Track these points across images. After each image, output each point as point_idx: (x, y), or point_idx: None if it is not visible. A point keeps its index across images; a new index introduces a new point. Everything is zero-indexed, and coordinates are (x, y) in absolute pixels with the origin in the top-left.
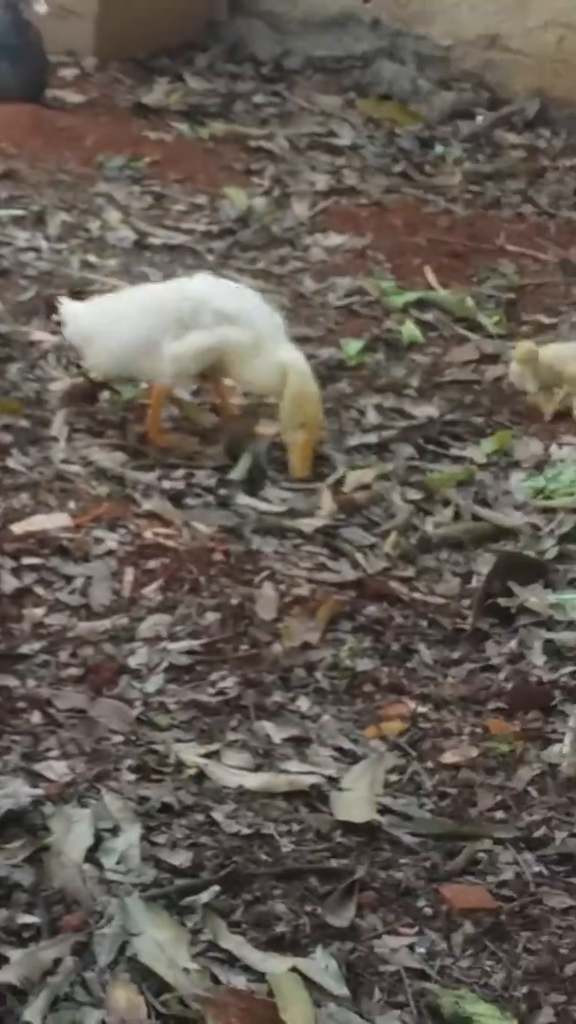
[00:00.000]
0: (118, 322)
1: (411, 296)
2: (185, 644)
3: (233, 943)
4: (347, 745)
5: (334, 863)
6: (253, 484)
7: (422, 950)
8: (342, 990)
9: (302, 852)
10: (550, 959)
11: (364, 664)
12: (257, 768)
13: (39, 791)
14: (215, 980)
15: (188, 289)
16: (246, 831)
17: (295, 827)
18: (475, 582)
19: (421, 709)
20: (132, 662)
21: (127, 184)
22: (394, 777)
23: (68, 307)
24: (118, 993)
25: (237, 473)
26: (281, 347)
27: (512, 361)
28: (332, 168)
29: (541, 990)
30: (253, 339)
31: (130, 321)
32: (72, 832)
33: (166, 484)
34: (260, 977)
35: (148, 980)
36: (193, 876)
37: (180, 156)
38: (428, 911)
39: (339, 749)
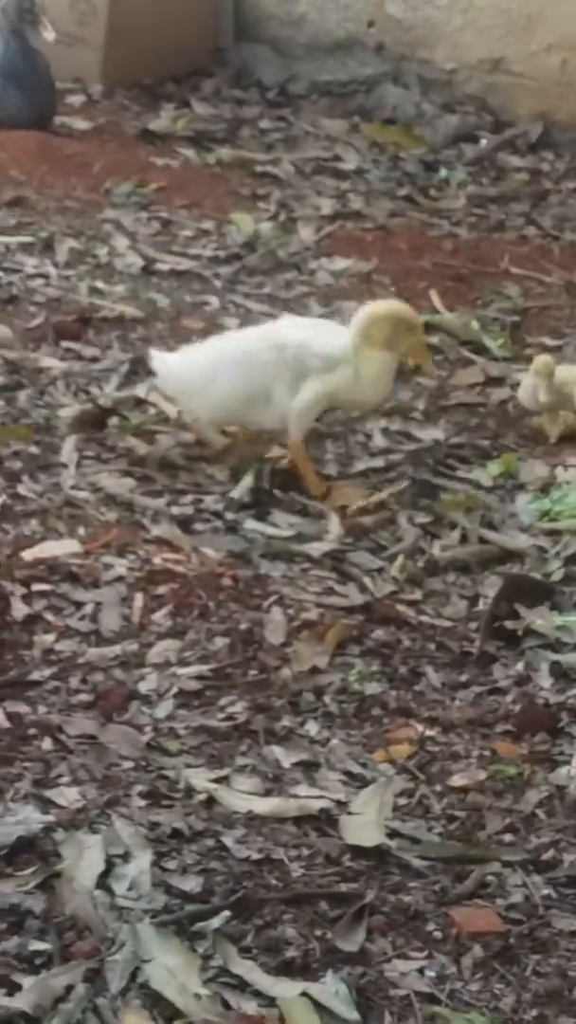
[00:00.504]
0: (215, 373)
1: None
2: (194, 669)
3: (244, 968)
4: (356, 769)
5: (344, 887)
6: (256, 505)
7: (432, 974)
8: (352, 1014)
9: (312, 876)
10: (559, 982)
11: (372, 688)
12: (267, 793)
13: (50, 817)
14: (226, 1005)
15: (282, 336)
16: (256, 856)
17: (305, 851)
18: (482, 605)
19: (429, 732)
20: (142, 688)
21: (134, 210)
22: (403, 801)
23: (159, 360)
24: (130, 1020)
25: (238, 492)
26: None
27: (527, 374)
28: (337, 192)
29: (551, 1013)
30: (350, 370)
31: (228, 372)
32: (83, 858)
33: (175, 510)
34: (271, 1002)
35: (159, 1006)
36: (203, 902)
37: (187, 182)
38: (437, 935)
39: (348, 773)
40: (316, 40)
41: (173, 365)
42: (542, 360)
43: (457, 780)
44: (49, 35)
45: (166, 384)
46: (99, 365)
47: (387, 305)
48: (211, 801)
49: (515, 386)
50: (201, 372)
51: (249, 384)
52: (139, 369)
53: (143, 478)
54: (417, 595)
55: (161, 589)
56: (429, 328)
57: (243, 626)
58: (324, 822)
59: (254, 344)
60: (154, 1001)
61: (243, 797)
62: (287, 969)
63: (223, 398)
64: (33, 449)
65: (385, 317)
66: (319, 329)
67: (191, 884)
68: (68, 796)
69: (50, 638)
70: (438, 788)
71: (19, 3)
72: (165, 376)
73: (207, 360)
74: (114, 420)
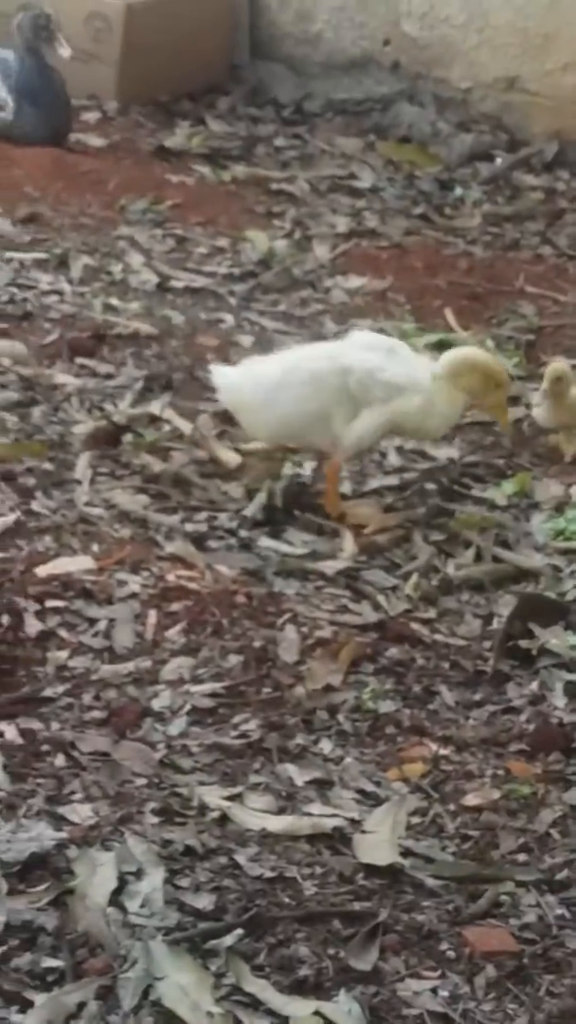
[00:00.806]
0: (276, 391)
1: (431, 338)
2: (208, 687)
3: (256, 987)
4: (369, 787)
5: (357, 906)
6: (270, 523)
7: (445, 993)
8: None
9: (325, 895)
10: (573, 1002)
11: (386, 706)
12: (280, 811)
13: (63, 834)
14: None
15: (349, 360)
16: (269, 874)
17: (318, 870)
18: (496, 624)
19: (443, 751)
20: (155, 705)
21: (149, 227)
22: (416, 819)
23: (220, 373)
24: None
25: (252, 510)
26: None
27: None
28: (352, 210)
29: None
30: (423, 399)
31: (290, 391)
32: (96, 875)
33: (189, 527)
34: (283, 1021)
35: None
36: (216, 919)
37: (202, 199)
38: (451, 954)
39: (361, 791)
40: (332, 58)
41: (234, 380)
42: (556, 366)
43: (471, 799)
44: (65, 52)
45: (225, 399)
46: (113, 382)
47: (484, 358)
48: (224, 819)
49: (530, 405)
50: (263, 389)
51: (310, 405)
52: (153, 386)
53: (157, 495)
54: (431, 614)
55: (175, 606)
56: (444, 346)
57: (257, 644)
58: (337, 840)
59: (320, 365)
60: (166, 1019)
61: (256, 815)
62: (300, 988)
63: (283, 417)
64: (47, 465)
65: (479, 369)
66: (386, 354)
67: (204, 902)
68: (81, 813)
69: (63, 655)
70: (452, 807)
71: (34, 20)
72: (224, 390)
73: (270, 378)
74: (128, 437)
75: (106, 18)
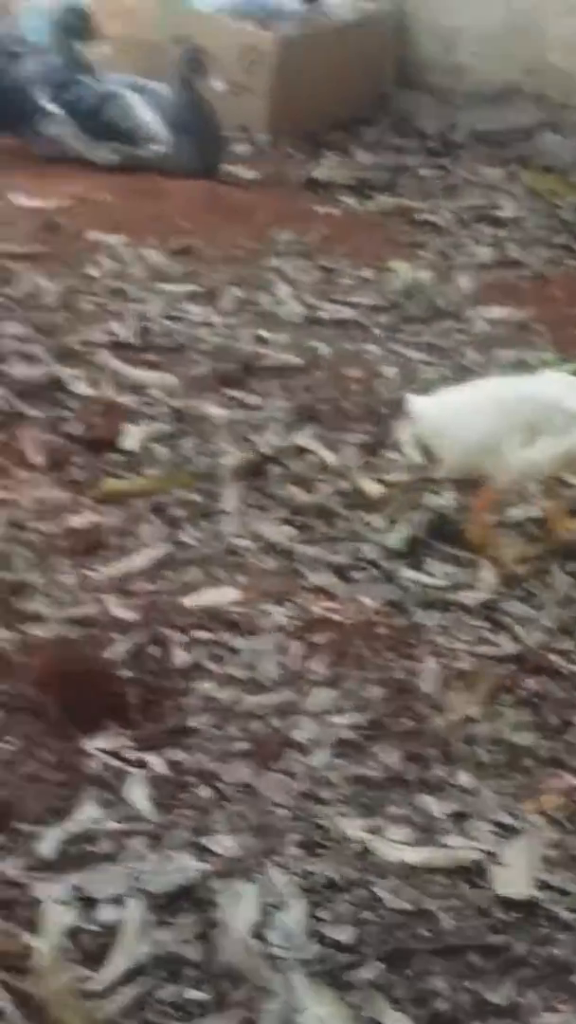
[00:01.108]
0: (467, 419)
1: (573, 367)
2: (349, 718)
3: (394, 1020)
4: (506, 820)
5: (493, 939)
6: (412, 554)
7: None
8: None
9: (462, 928)
10: None
11: (523, 738)
12: (418, 843)
13: (207, 866)
14: None
15: (537, 390)
16: (408, 907)
17: (455, 903)
18: None
19: None
20: (297, 736)
21: (297, 259)
22: (552, 852)
23: (416, 403)
24: None
25: (393, 541)
26: None
27: None
28: (495, 240)
29: None
30: None
31: (479, 419)
32: (239, 907)
33: (332, 558)
34: None
35: None
36: (356, 952)
37: (348, 230)
38: None
39: (498, 824)
40: (476, 89)
41: (428, 410)
42: None
43: None
44: (220, 85)
45: (421, 429)
46: (261, 413)
47: None
48: (365, 851)
49: None
50: (453, 417)
51: (486, 432)
52: (300, 417)
53: (302, 526)
54: (569, 645)
55: (318, 637)
56: None
57: (398, 675)
58: (474, 873)
59: (500, 393)
60: None
61: (396, 847)
62: (436, 1021)
63: (464, 444)
64: (196, 497)
65: None
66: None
67: (344, 935)
68: (224, 844)
69: (209, 686)
70: None
71: (190, 53)
72: (419, 421)
73: (461, 406)
74: (275, 468)
75: (259, 51)
